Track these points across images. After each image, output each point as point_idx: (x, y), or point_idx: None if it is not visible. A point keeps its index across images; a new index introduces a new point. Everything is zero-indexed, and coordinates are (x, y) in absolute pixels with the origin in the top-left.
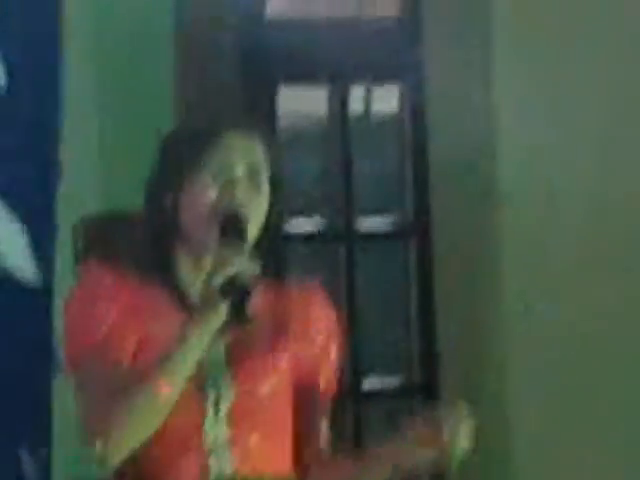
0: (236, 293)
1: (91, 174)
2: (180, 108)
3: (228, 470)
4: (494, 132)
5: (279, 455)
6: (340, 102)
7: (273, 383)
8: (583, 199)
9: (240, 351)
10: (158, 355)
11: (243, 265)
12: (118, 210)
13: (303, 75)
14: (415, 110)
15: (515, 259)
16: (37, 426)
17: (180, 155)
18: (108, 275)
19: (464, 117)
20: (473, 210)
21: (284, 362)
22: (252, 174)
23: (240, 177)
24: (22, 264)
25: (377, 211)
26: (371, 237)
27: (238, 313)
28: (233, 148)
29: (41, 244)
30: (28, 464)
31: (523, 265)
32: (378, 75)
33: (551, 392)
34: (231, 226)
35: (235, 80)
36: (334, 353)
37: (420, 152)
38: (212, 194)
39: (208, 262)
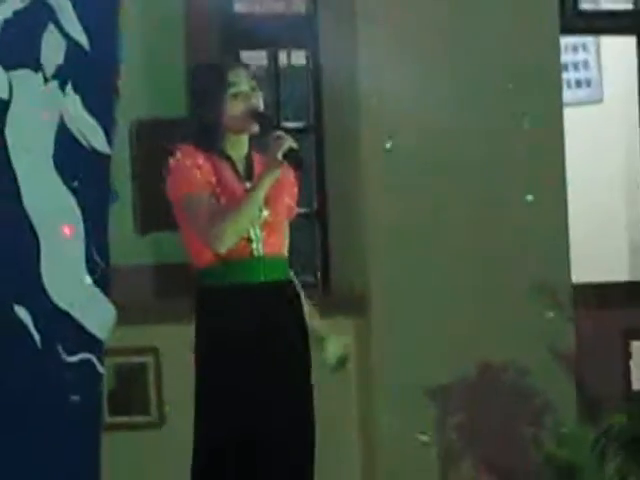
0: (295, 153)
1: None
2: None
3: (261, 252)
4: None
5: (280, 245)
6: (274, 59)
7: (281, 210)
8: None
9: (269, 194)
10: (249, 188)
11: (290, 140)
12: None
13: (253, 44)
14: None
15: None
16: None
17: (213, 83)
18: (197, 154)
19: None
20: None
21: (284, 199)
22: (253, 89)
23: (247, 90)
24: (101, 143)
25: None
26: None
27: (298, 162)
28: (240, 75)
29: (108, 131)
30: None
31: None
32: (295, 44)
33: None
34: (261, 119)
35: (217, 48)
36: (294, 200)
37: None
38: (240, 103)
39: (244, 141)
